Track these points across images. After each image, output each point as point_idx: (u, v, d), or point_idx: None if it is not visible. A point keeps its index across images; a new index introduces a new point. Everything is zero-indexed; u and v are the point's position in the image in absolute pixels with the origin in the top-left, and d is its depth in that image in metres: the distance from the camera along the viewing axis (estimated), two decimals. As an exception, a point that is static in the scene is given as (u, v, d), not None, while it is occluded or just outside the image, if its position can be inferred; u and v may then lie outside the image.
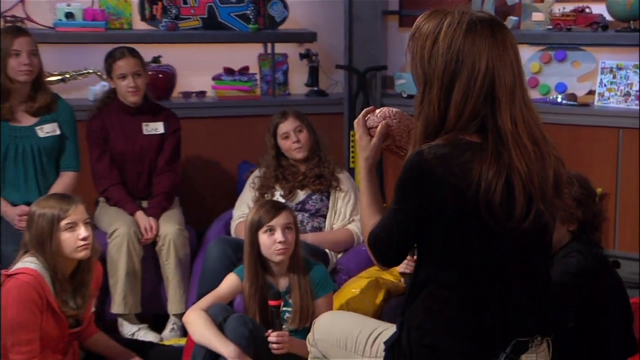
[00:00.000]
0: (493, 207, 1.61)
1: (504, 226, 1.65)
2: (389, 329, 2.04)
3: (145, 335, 3.85)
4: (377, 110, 2.03)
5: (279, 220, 3.01)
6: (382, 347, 1.92)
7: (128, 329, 3.84)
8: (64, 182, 3.88)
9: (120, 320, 3.90)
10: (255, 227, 3.03)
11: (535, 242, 1.79)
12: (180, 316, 3.75)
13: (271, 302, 2.99)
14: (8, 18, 4.65)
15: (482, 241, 1.70)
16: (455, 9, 1.75)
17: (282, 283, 3.12)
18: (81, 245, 2.91)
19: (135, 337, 3.80)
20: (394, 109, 2.02)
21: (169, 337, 3.86)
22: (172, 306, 3.86)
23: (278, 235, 2.99)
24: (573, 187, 2.62)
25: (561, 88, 4.86)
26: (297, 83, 5.29)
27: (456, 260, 1.74)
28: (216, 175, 5.07)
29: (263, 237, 3.01)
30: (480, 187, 1.61)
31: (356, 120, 2.06)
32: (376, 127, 1.98)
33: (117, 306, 3.82)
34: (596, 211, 2.72)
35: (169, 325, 3.88)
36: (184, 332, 3.69)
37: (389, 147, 2.00)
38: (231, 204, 4.20)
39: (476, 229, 1.68)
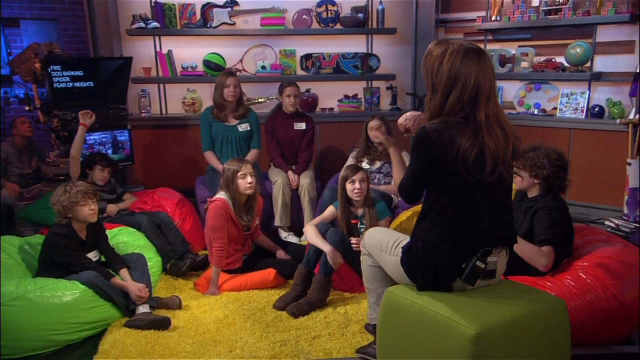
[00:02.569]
0: (467, 165, 1.99)
1: (475, 178, 2.02)
2: (406, 239, 2.33)
3: (292, 238, 4.61)
4: (405, 114, 2.57)
5: (357, 176, 3.53)
6: (400, 247, 2.31)
7: (283, 234, 4.67)
8: (252, 155, 4.73)
9: (279, 229, 4.70)
10: (343, 180, 3.55)
11: (497, 188, 2.12)
12: None
13: (353, 221, 3.59)
14: (233, 68, 5.72)
15: (460, 186, 2.06)
16: (450, 41, 2.12)
17: (359, 211, 3.62)
18: (248, 187, 3.61)
19: (287, 239, 4.54)
20: (412, 114, 2.54)
21: (305, 239, 4.40)
22: (307, 221, 4.55)
23: (356, 185, 3.53)
24: (540, 156, 2.99)
25: (537, 106, 5.57)
26: (384, 103, 6.13)
27: (444, 198, 2.13)
28: (336, 153, 5.78)
29: (348, 186, 3.55)
30: (459, 152, 1.99)
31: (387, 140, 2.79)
32: (402, 123, 2.55)
33: (277, 221, 4.63)
34: (555, 175, 2.99)
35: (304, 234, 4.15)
36: None
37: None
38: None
39: (456, 178, 2.04)
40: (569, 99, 5.27)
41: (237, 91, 4.67)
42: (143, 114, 5.80)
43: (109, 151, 5.11)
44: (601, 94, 5.13)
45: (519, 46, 5.56)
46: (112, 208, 4.31)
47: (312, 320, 3.28)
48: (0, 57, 7.18)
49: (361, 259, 2.69)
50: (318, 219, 3.73)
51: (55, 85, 4.73)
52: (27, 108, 5.15)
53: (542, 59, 5.38)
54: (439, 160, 2.07)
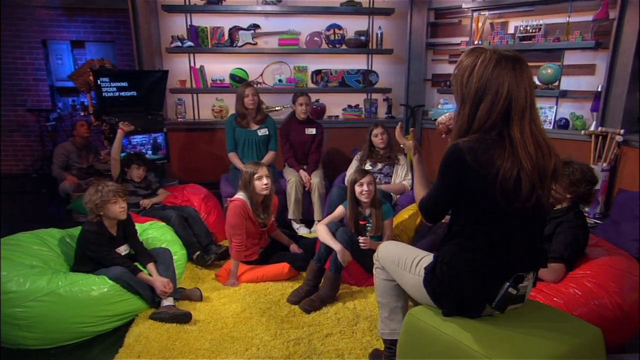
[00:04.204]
0: (506, 190, 1.44)
1: (511, 204, 1.46)
2: (426, 257, 1.78)
3: (303, 229, 4.11)
4: (446, 114, 1.91)
5: (364, 180, 3.03)
6: (422, 267, 1.74)
7: (295, 226, 4.16)
8: (270, 156, 4.21)
9: (292, 221, 4.18)
10: (352, 183, 3.08)
11: (533, 214, 1.54)
12: (320, 221, 3.79)
13: (361, 222, 3.12)
14: (254, 81, 5.25)
15: (495, 211, 1.50)
16: (485, 49, 1.54)
17: (367, 211, 3.13)
18: (264, 187, 3.11)
19: (298, 230, 4.08)
20: (454, 114, 1.76)
21: (314, 230, 4.01)
22: (316, 215, 4.15)
23: (364, 187, 3.02)
24: (576, 173, 2.39)
25: None
26: (381, 112, 5.59)
27: (476, 222, 1.54)
28: (340, 154, 5.34)
29: (356, 188, 3.05)
30: (499, 175, 1.42)
31: (407, 145, 1.95)
32: (444, 122, 1.90)
33: (290, 214, 4.14)
34: (588, 192, 2.43)
35: (315, 225, 4.10)
36: None
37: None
38: (346, 168, 4.25)
39: (490, 203, 1.48)
40: (539, 113, 4.54)
41: (255, 99, 4.14)
42: (179, 119, 5.36)
43: (149, 152, 4.64)
44: (566, 109, 4.58)
45: (497, 66, 4.79)
46: (146, 202, 3.78)
47: (323, 316, 2.71)
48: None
49: (374, 271, 2.06)
50: (329, 218, 3.19)
51: (104, 94, 4.39)
52: (82, 114, 4.90)
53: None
54: (473, 184, 1.48)
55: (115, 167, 3.78)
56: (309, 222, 4.24)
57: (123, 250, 2.91)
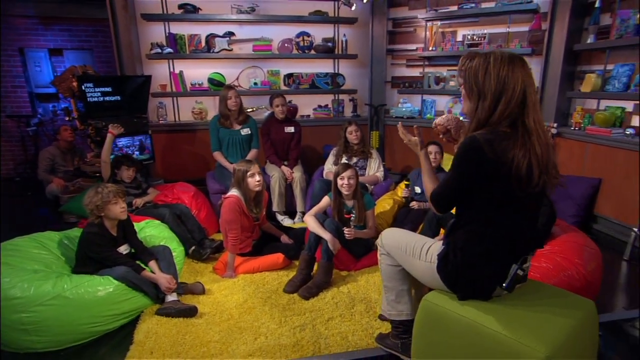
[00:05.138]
0: (520, 177, 1.39)
1: (524, 190, 1.42)
2: (434, 244, 1.70)
3: (287, 220, 3.93)
4: (443, 116, 1.79)
5: (347, 173, 2.94)
6: (433, 255, 1.65)
7: (280, 217, 3.96)
8: (252, 153, 4.00)
9: (276, 213, 3.97)
10: (336, 176, 2.98)
11: (537, 198, 1.52)
12: (302, 213, 3.97)
13: (346, 216, 3.02)
14: (232, 84, 4.89)
15: (506, 197, 1.45)
16: (490, 50, 1.52)
17: (350, 203, 3.03)
18: (257, 184, 2.96)
19: (283, 221, 3.88)
20: (452, 116, 1.77)
21: (297, 221, 3.92)
22: (299, 207, 4.03)
23: (345, 181, 2.93)
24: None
25: (462, 114, 5.05)
26: (348, 111, 5.44)
27: (491, 209, 1.48)
28: (313, 150, 5.17)
29: (339, 181, 2.95)
30: (513, 164, 1.38)
31: (412, 140, 1.81)
32: (442, 124, 1.77)
33: (275, 207, 3.96)
34: None
35: (297, 216, 4.00)
36: (303, 220, 3.48)
37: (448, 138, 1.78)
38: (322, 163, 4.26)
39: (504, 189, 1.43)
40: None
41: (238, 101, 3.93)
42: (161, 122, 5.01)
43: (136, 152, 4.34)
44: None
45: (448, 70, 4.94)
46: (138, 201, 3.49)
47: (322, 301, 2.58)
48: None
49: (379, 257, 1.95)
50: (315, 208, 3.05)
51: (89, 99, 4.03)
52: (67, 118, 4.44)
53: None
54: (490, 172, 1.42)
55: (106, 169, 3.46)
56: (292, 213, 4.10)
57: (123, 249, 2.66)
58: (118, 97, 4.21)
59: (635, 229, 3.16)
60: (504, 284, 1.53)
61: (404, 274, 1.88)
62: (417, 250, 1.73)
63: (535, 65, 4.31)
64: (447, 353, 1.54)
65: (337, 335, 2.22)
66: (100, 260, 2.50)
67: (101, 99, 4.10)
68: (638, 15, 3.35)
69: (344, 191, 2.98)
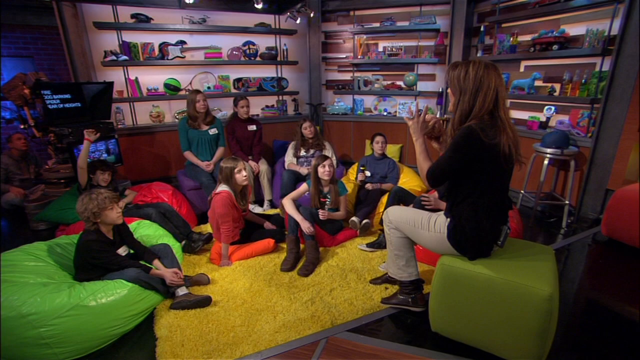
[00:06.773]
0: (505, 156, 1.48)
1: (506, 166, 1.50)
2: (439, 217, 1.74)
3: (258, 209, 3.64)
4: (431, 115, 1.76)
5: (326, 162, 2.88)
6: (440, 225, 1.69)
7: (251, 207, 3.59)
8: (220, 151, 3.70)
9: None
10: (316, 166, 2.91)
11: (510, 171, 1.58)
12: (270, 201, 3.72)
13: (322, 200, 2.97)
14: (185, 89, 4.47)
15: (495, 173, 1.52)
16: (470, 59, 1.56)
17: (326, 188, 2.97)
18: (244, 179, 2.76)
19: (254, 210, 3.54)
20: (435, 117, 1.76)
21: (266, 208, 3.67)
22: (266, 196, 3.79)
23: (326, 169, 2.87)
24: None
25: (386, 110, 4.91)
26: (290, 110, 5.15)
27: (484, 184, 1.53)
28: (266, 145, 4.80)
29: (320, 169, 2.89)
30: (501, 146, 1.46)
31: (415, 124, 1.74)
32: (435, 121, 1.77)
33: None
34: None
35: (265, 204, 3.75)
36: (271, 207, 3.65)
37: (428, 135, 1.78)
38: (272, 156, 4.19)
39: (494, 166, 1.50)
40: (404, 106, 4.86)
41: (205, 104, 3.61)
42: (119, 126, 4.41)
43: (105, 155, 3.79)
44: (422, 103, 4.72)
45: (373, 74, 4.95)
46: (120, 203, 2.95)
47: (318, 276, 2.49)
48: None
49: (387, 231, 1.95)
50: (294, 193, 2.94)
51: (49, 106, 3.37)
52: (22, 126, 3.63)
53: (388, 82, 4.93)
54: (484, 154, 1.49)
55: (83, 175, 2.97)
56: (260, 202, 3.90)
57: (122, 251, 2.33)
58: (78, 104, 3.60)
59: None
60: (498, 242, 1.62)
61: (411, 243, 1.92)
62: (424, 223, 1.77)
63: (439, 72, 4.58)
64: (465, 307, 1.59)
65: (344, 302, 2.18)
66: (103, 266, 2.18)
67: (61, 105, 3.47)
68: (511, 39, 3.75)
69: (325, 177, 2.90)
